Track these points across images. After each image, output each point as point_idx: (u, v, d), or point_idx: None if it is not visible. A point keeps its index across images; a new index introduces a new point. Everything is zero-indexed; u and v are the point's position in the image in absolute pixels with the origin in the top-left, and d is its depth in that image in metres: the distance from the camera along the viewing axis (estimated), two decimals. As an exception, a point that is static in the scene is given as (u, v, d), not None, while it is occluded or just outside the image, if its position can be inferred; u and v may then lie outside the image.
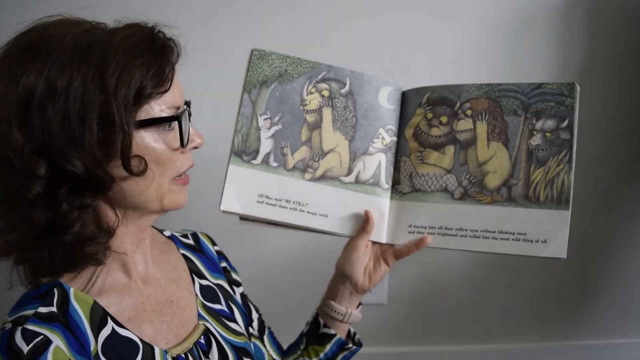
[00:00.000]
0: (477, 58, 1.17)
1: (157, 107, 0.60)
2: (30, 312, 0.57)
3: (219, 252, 0.84)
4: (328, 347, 0.82)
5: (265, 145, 0.77)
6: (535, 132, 0.74)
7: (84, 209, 0.58)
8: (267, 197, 0.76)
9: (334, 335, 0.82)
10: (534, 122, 0.74)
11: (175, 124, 0.61)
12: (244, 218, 0.78)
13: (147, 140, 0.60)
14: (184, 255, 0.77)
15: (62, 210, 0.56)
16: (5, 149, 0.55)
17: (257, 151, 0.77)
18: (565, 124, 0.73)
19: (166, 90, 0.61)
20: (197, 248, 0.81)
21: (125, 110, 0.56)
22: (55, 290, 0.60)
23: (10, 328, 0.55)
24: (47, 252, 0.58)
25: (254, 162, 0.77)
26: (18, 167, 0.55)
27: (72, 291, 0.61)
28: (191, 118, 0.66)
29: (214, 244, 0.85)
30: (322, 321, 0.83)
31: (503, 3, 1.16)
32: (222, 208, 0.75)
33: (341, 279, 0.80)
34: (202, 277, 0.76)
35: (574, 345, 1.29)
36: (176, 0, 1.08)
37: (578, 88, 0.73)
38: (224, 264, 0.83)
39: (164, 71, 0.60)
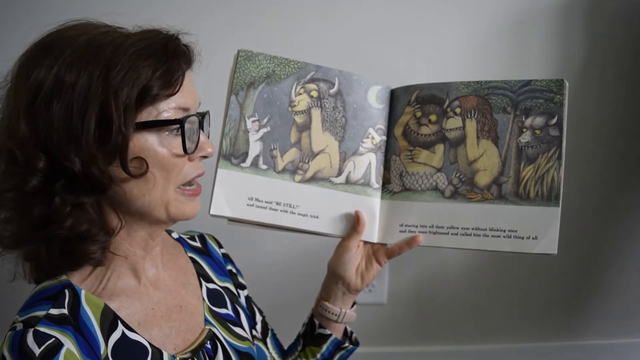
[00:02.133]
0: (474, 58, 1.16)
1: (163, 111, 0.60)
2: (41, 313, 0.57)
3: (225, 255, 0.84)
4: (324, 347, 0.82)
5: (254, 148, 0.77)
6: (524, 130, 0.74)
7: (78, 206, 0.58)
8: (257, 199, 0.76)
9: (330, 335, 0.82)
10: (523, 119, 0.74)
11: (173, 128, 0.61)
12: (232, 220, 0.77)
13: (150, 142, 0.59)
14: (191, 258, 0.77)
15: (55, 204, 0.57)
16: (12, 142, 0.56)
17: (246, 154, 0.76)
18: (554, 120, 0.73)
19: (173, 94, 0.60)
20: (204, 251, 0.81)
21: (125, 110, 0.56)
22: (67, 291, 0.60)
23: (21, 329, 0.55)
24: (45, 247, 0.59)
25: (243, 165, 0.76)
26: (20, 160, 0.56)
27: (83, 293, 0.61)
28: (205, 127, 0.66)
29: (220, 246, 0.84)
30: (317, 322, 0.83)
31: (501, 2, 1.15)
32: (211, 212, 0.75)
33: (333, 280, 0.80)
34: (209, 280, 0.76)
35: (574, 345, 1.29)
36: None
37: (567, 84, 0.73)
38: (229, 267, 0.83)
39: (173, 74, 0.59)
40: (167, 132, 0.61)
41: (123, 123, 0.56)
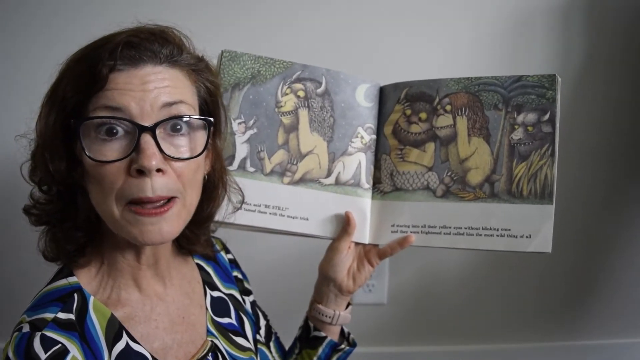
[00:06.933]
0: (474, 58, 1.14)
1: (90, 111, 0.57)
2: (49, 316, 0.57)
3: (231, 261, 0.82)
4: (320, 350, 0.81)
5: (241, 151, 0.75)
6: (516, 126, 0.72)
7: (44, 191, 0.62)
8: (245, 203, 0.75)
9: (325, 337, 0.81)
10: (515, 115, 0.72)
11: (120, 134, 0.56)
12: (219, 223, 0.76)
13: (80, 147, 0.57)
14: (198, 264, 0.75)
15: (38, 198, 0.63)
16: None
17: (232, 157, 0.75)
18: (546, 117, 0.71)
19: (88, 95, 0.56)
20: (211, 256, 0.79)
21: (49, 110, 0.58)
22: (76, 295, 0.60)
23: (28, 332, 0.55)
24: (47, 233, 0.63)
25: (230, 168, 0.75)
26: None
27: (92, 300, 0.60)
28: (158, 139, 0.56)
29: (227, 251, 0.83)
30: (311, 325, 0.82)
31: (501, 2, 1.13)
32: None
33: (325, 282, 0.79)
34: (214, 288, 0.75)
35: (573, 345, 1.28)
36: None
37: (559, 80, 0.71)
38: (236, 273, 0.82)
39: (94, 78, 0.55)
40: (94, 137, 0.56)
41: (39, 122, 0.58)
